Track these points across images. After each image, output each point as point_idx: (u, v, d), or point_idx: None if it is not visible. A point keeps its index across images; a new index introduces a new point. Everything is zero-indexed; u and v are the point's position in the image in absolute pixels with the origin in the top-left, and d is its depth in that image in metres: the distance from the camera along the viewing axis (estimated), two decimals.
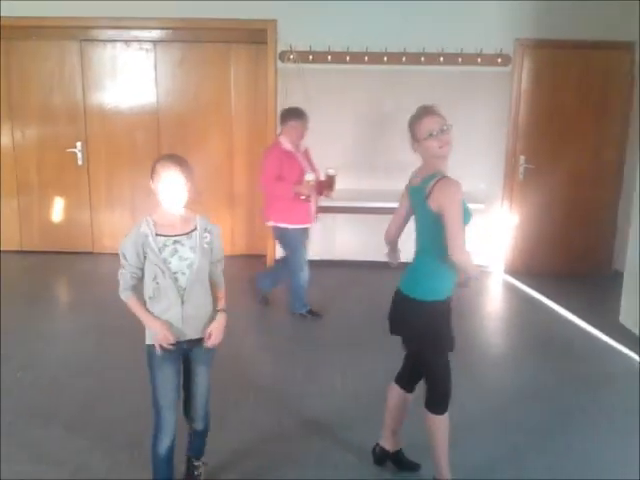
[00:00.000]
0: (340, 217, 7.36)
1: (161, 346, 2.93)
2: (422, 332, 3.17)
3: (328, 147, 6.96)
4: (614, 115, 7.28)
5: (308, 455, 3.75)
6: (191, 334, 3.03)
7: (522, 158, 7.42)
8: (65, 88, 7.70)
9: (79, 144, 7.80)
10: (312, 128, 7.21)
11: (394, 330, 3.30)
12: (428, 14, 7.03)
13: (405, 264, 3.31)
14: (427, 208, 3.05)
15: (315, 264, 6.17)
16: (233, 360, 4.91)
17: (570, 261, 7.50)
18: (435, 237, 3.05)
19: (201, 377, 3.15)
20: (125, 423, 4.01)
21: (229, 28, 7.28)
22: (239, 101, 7.72)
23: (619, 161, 7.35)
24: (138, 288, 2.99)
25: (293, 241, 5.78)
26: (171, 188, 2.89)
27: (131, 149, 7.76)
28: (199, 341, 3.07)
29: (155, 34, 7.55)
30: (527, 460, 3.74)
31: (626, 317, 5.72)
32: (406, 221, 3.41)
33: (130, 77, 7.69)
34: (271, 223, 5.82)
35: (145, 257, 2.93)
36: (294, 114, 5.68)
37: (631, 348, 5.39)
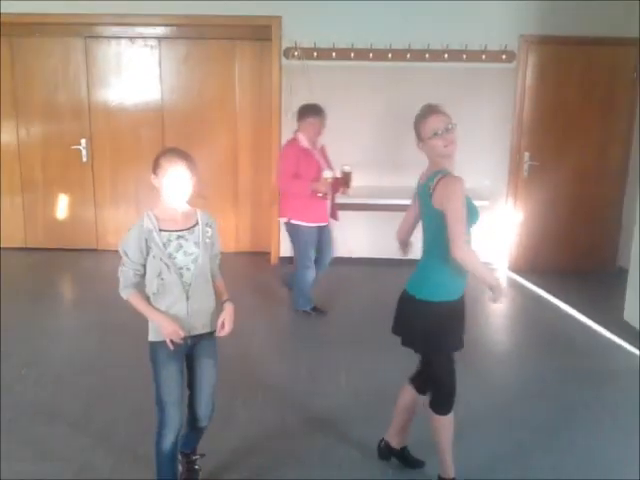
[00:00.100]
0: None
1: (172, 341, 2.90)
2: (426, 332, 3.15)
3: (331, 144, 6.96)
4: (619, 112, 7.27)
5: (312, 453, 3.74)
6: (197, 329, 3.02)
7: (527, 155, 7.41)
8: (70, 85, 7.71)
9: (83, 141, 7.81)
10: None
11: (396, 330, 3.30)
12: (432, 11, 7.02)
13: (415, 261, 3.29)
14: (431, 206, 3.04)
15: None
16: (237, 358, 4.91)
17: (574, 258, 7.49)
18: (440, 236, 3.02)
19: (208, 370, 3.13)
20: (129, 421, 4.01)
21: (234, 25, 7.27)
22: (243, 98, 7.72)
23: (624, 158, 7.34)
24: (140, 285, 2.96)
25: (303, 239, 5.73)
26: (177, 183, 2.87)
27: (136, 146, 7.76)
28: (204, 336, 3.07)
29: (160, 31, 7.55)
30: (531, 457, 3.74)
31: (630, 314, 5.70)
32: (417, 220, 3.37)
33: (135, 74, 7.69)
34: (285, 219, 5.76)
35: (148, 253, 2.90)
36: (312, 110, 5.62)
37: (635, 345, 5.37)
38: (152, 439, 3.10)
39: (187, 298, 2.95)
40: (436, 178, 3.03)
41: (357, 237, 7.49)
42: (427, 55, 7.10)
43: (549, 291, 6.70)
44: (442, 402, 3.25)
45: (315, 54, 7.14)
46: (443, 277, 3.09)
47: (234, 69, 7.63)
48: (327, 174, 5.49)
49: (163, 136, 7.73)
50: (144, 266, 2.93)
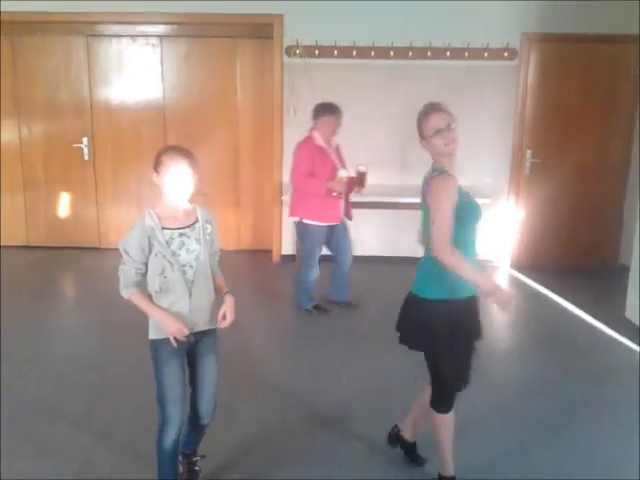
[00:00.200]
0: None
1: (175, 339, 2.91)
2: (429, 331, 3.13)
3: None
4: (620, 109, 7.26)
5: (314, 451, 3.74)
6: (199, 325, 3.03)
7: (529, 152, 7.41)
8: (71, 83, 7.72)
9: (85, 139, 7.82)
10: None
11: (398, 327, 3.30)
12: (434, 9, 7.01)
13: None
14: (425, 205, 3.05)
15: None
16: (238, 356, 4.92)
17: (576, 255, 7.49)
18: None
19: (210, 367, 3.12)
20: (130, 419, 4.01)
21: (235, 23, 7.27)
22: (245, 96, 7.72)
23: (625, 155, 7.34)
24: (141, 284, 2.96)
25: (312, 237, 5.71)
26: (179, 180, 2.87)
27: (137, 144, 7.77)
28: (205, 332, 3.07)
29: (161, 29, 7.55)
30: (532, 455, 3.74)
31: (632, 311, 5.70)
32: None
33: (136, 72, 7.70)
34: (296, 219, 5.73)
35: (150, 251, 2.90)
36: (328, 109, 5.59)
37: (636, 342, 5.38)
38: (153, 437, 3.09)
39: (189, 295, 2.96)
40: (430, 176, 3.05)
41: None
42: (429, 53, 7.09)
43: (551, 289, 6.70)
44: (442, 401, 3.25)
45: (317, 52, 7.14)
46: (444, 275, 3.02)
47: (236, 67, 7.64)
48: (342, 173, 5.47)
49: (165, 134, 7.74)
50: (145, 265, 2.93)
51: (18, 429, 3.90)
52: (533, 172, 7.44)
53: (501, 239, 7.51)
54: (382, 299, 5.85)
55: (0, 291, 6.17)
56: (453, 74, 7.16)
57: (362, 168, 5.59)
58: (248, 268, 7.30)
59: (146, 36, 7.58)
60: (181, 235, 2.94)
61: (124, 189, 7.96)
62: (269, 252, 7.83)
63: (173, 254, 2.90)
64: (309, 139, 5.63)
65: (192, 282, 2.96)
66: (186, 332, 2.91)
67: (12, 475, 3.45)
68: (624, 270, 6.36)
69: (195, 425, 3.26)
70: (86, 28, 7.52)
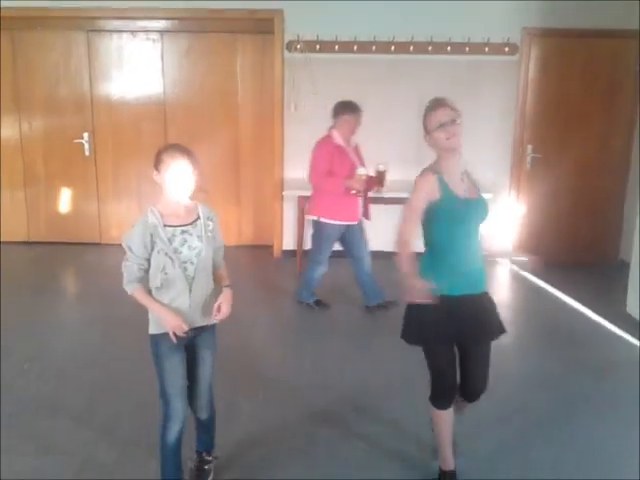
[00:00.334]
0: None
1: (175, 335, 2.93)
2: (414, 325, 3.18)
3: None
4: (620, 104, 7.26)
5: (316, 446, 3.75)
6: (198, 321, 3.04)
7: (529, 147, 7.41)
8: (72, 79, 7.71)
9: (86, 135, 7.82)
10: (319, 117, 7.20)
11: (403, 322, 3.31)
12: (435, 4, 7.00)
13: None
14: None
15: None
16: (240, 351, 4.95)
17: (577, 250, 7.49)
18: (424, 231, 3.13)
19: (206, 362, 3.15)
20: (132, 415, 4.02)
21: (236, 18, 7.26)
22: (246, 91, 7.72)
23: (626, 150, 7.34)
24: (144, 279, 2.98)
25: (325, 233, 5.66)
26: (180, 178, 2.89)
27: (138, 140, 7.76)
28: (204, 328, 3.09)
29: (161, 24, 7.54)
30: (532, 448, 3.75)
31: (632, 306, 5.71)
32: None
33: (137, 67, 7.69)
34: (314, 217, 5.68)
35: (153, 248, 2.92)
36: (348, 108, 5.53)
37: (636, 336, 5.39)
38: (155, 432, 3.11)
39: (190, 291, 2.98)
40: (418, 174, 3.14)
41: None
42: (430, 48, 7.09)
43: (551, 283, 6.70)
44: (436, 396, 3.26)
45: (318, 47, 7.13)
46: (427, 271, 3.08)
47: (236, 62, 7.63)
48: (361, 171, 5.42)
49: (165, 130, 7.73)
50: (148, 261, 2.95)
51: (19, 425, 3.91)
52: (534, 167, 7.44)
53: (502, 234, 7.51)
54: (390, 294, 5.80)
55: (0, 287, 6.17)
56: (454, 69, 7.15)
57: (381, 167, 5.57)
58: (249, 263, 7.30)
59: (146, 31, 7.57)
60: (183, 232, 2.95)
61: (125, 184, 7.96)
62: (270, 247, 7.84)
63: (175, 251, 2.92)
64: (328, 138, 5.57)
65: (193, 278, 2.97)
66: (185, 328, 2.93)
67: (14, 472, 3.45)
68: (624, 265, 6.37)
69: (196, 420, 3.29)
70: (86, 23, 7.51)
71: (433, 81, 6.99)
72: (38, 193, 8.02)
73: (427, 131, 3.13)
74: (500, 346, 5.02)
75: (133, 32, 7.58)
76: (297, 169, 7.45)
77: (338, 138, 5.53)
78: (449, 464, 3.34)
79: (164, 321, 2.93)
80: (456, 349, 3.24)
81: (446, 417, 3.27)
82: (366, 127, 7.24)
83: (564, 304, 6.24)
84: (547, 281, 6.79)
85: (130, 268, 2.95)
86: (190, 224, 2.99)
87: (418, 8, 7.02)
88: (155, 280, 2.95)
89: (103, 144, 7.87)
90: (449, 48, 7.09)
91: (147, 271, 2.97)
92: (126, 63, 7.68)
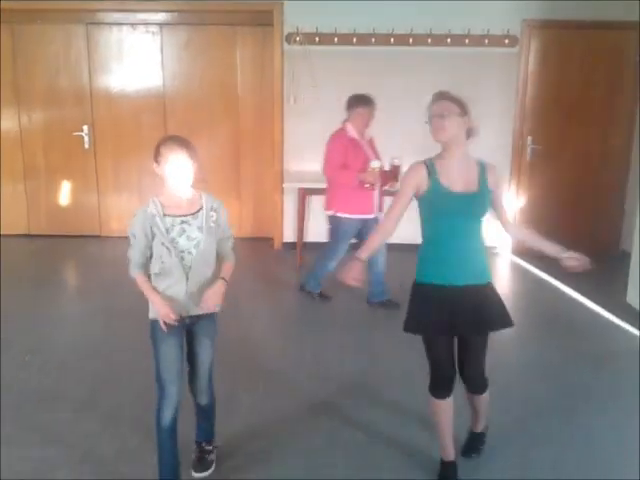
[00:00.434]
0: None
1: (165, 322, 2.97)
2: (411, 314, 3.22)
3: (334, 129, 6.99)
4: (621, 95, 7.26)
5: (317, 436, 3.76)
6: (194, 310, 3.08)
7: (529, 139, 7.42)
8: (71, 72, 7.71)
9: (86, 128, 7.82)
10: (319, 109, 7.23)
11: None
12: None
13: None
14: None
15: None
16: (240, 342, 4.96)
17: (577, 242, 7.33)
18: (420, 221, 3.20)
19: (204, 350, 3.19)
20: (133, 406, 4.02)
21: (235, 10, 7.26)
22: (245, 84, 7.71)
23: (627, 141, 7.34)
24: (146, 266, 3.04)
25: (342, 229, 5.60)
26: (178, 170, 2.92)
27: (138, 132, 7.76)
28: (203, 316, 3.12)
29: (161, 17, 7.53)
30: (532, 438, 3.76)
31: (633, 297, 5.72)
32: None
33: (136, 60, 7.69)
34: (331, 212, 5.63)
35: (153, 237, 2.97)
36: (362, 101, 5.48)
37: (637, 327, 5.40)
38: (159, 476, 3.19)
39: (187, 280, 3.02)
40: None
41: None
42: (429, 40, 7.08)
43: (552, 274, 6.69)
44: (434, 385, 3.26)
45: (317, 39, 7.13)
46: (420, 260, 3.20)
47: (236, 55, 7.62)
48: (375, 164, 5.38)
49: (165, 122, 7.73)
50: (150, 248, 3.01)
51: (21, 417, 3.91)
52: (534, 158, 7.45)
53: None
54: (395, 295, 5.79)
55: (1, 280, 6.18)
56: (454, 61, 7.14)
57: (397, 161, 5.48)
58: (249, 256, 7.29)
59: (146, 24, 7.56)
60: (182, 222, 2.99)
61: (124, 177, 7.96)
62: (270, 240, 7.85)
63: (172, 241, 2.96)
64: (342, 131, 5.54)
65: (190, 268, 3.01)
66: (173, 317, 2.96)
67: (15, 463, 3.46)
68: (625, 256, 6.37)
69: (196, 406, 3.34)
70: (86, 16, 7.50)
71: (433, 73, 6.98)
72: (38, 186, 8.02)
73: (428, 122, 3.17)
74: (500, 336, 5.04)
75: (132, 25, 7.57)
76: (297, 161, 7.47)
77: (352, 131, 5.49)
78: (449, 454, 3.35)
79: (155, 309, 3.00)
80: (456, 338, 3.25)
81: (445, 407, 3.27)
82: None
83: (564, 295, 6.25)
84: (547, 272, 6.79)
85: (133, 255, 3.03)
86: (191, 214, 3.01)
87: (417, 0, 7.01)
88: (154, 267, 3.02)
89: (103, 137, 7.87)
90: (449, 40, 7.08)
91: (150, 258, 3.03)
92: (125, 56, 7.68)
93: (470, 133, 3.26)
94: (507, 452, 3.62)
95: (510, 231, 3.41)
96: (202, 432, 3.44)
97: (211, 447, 3.44)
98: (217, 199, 3.12)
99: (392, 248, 5.53)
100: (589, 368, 4.72)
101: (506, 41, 7.11)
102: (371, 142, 5.69)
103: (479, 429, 3.58)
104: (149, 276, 3.04)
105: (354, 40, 7.11)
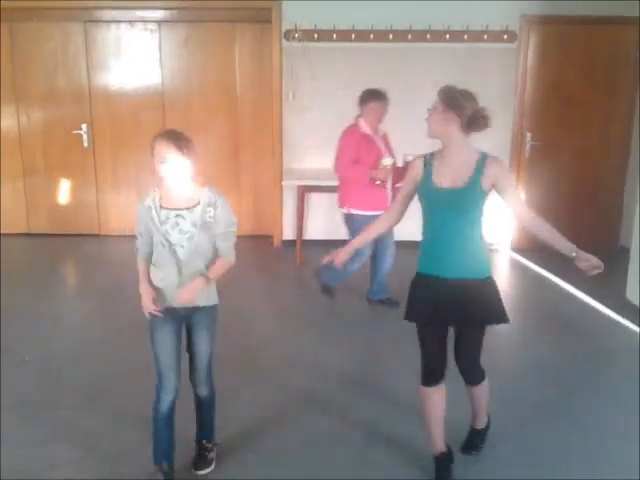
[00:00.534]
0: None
1: (150, 313, 3.07)
2: (408, 302, 3.28)
3: (333, 126, 6.99)
4: (620, 91, 7.26)
5: (316, 434, 3.76)
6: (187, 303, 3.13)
7: (528, 135, 7.41)
8: (70, 70, 7.70)
9: (84, 126, 7.81)
10: (318, 106, 7.22)
11: None
12: None
13: None
14: None
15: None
16: (241, 339, 4.98)
17: (576, 237, 7.29)
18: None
19: (201, 342, 3.22)
20: (134, 404, 4.00)
21: (233, 7, 7.25)
22: (244, 81, 7.70)
23: (626, 137, 7.34)
24: (150, 257, 3.15)
25: (357, 229, 5.15)
26: (167, 164, 2.95)
27: (136, 130, 7.75)
28: (199, 309, 3.16)
29: (159, 14, 7.52)
30: (532, 435, 3.76)
31: (632, 292, 5.72)
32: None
33: (134, 58, 7.68)
34: (345, 210, 5.54)
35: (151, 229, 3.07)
36: (375, 95, 5.39)
37: (636, 323, 5.40)
38: (153, 456, 3.23)
39: (179, 273, 3.06)
40: None
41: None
42: (428, 36, 7.07)
43: (551, 271, 6.70)
44: (422, 372, 3.29)
45: (316, 36, 7.12)
46: (420, 250, 3.28)
47: (234, 52, 7.61)
48: (386, 161, 5.31)
49: (164, 120, 7.72)
50: (152, 239, 3.09)
51: (21, 416, 3.91)
52: (533, 155, 7.44)
53: (502, 221, 7.50)
54: (396, 294, 5.78)
55: (1, 279, 6.17)
56: (452, 57, 7.13)
57: (410, 158, 5.34)
58: (249, 253, 7.29)
59: (144, 21, 7.55)
60: (177, 216, 3.03)
61: (124, 175, 7.95)
62: (270, 237, 7.84)
63: (165, 233, 3.02)
64: (354, 126, 5.46)
65: (182, 261, 3.05)
66: (151, 309, 3.06)
67: (16, 462, 3.46)
68: (624, 252, 6.37)
69: (195, 398, 3.37)
70: (84, 14, 7.49)
71: (432, 69, 6.98)
72: (37, 185, 8.01)
73: None
74: (499, 333, 5.07)
75: (131, 22, 7.56)
76: (296, 158, 7.47)
77: (365, 126, 5.42)
78: (437, 447, 3.34)
79: (142, 299, 3.10)
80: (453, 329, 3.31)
81: (432, 395, 3.27)
82: None
83: (564, 291, 6.25)
84: (547, 268, 6.79)
85: (139, 245, 3.18)
86: (186, 209, 3.04)
87: None
88: (153, 258, 3.12)
89: (101, 135, 7.86)
90: (448, 36, 7.08)
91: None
92: (124, 53, 7.67)
93: (470, 127, 3.25)
94: (506, 450, 3.62)
95: (525, 222, 3.39)
96: (202, 427, 3.44)
97: (211, 445, 3.45)
98: (219, 194, 3.14)
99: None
100: (588, 365, 4.71)
101: (505, 37, 7.10)
102: (385, 138, 5.61)
103: (479, 425, 3.58)
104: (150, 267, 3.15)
105: (353, 36, 7.10)
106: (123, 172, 7.94)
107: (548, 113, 7.36)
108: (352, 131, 5.45)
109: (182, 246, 3.03)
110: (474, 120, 3.22)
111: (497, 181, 3.17)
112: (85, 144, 7.85)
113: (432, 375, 3.26)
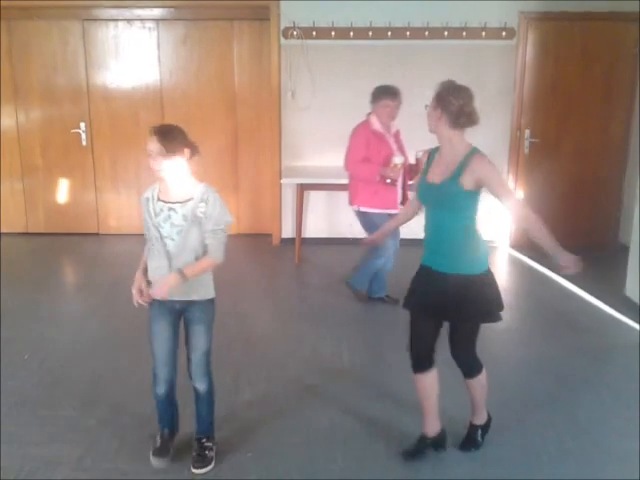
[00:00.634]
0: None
1: (137, 302, 3.18)
2: (408, 290, 3.42)
3: (332, 123, 6.99)
4: (619, 88, 7.25)
5: (316, 430, 3.77)
6: (179, 296, 3.15)
7: (527, 132, 7.40)
8: (68, 68, 7.69)
9: (83, 124, 7.80)
10: (316, 104, 7.22)
11: None
12: None
13: None
14: None
15: None
16: (240, 337, 4.97)
17: (576, 235, 7.45)
18: None
19: (196, 335, 3.27)
20: (133, 403, 4.02)
21: (232, 5, 7.24)
22: (243, 79, 7.70)
23: (625, 134, 7.33)
24: None
25: (372, 225, 5.27)
26: (152, 159, 3.02)
27: (135, 129, 7.73)
28: (193, 302, 3.22)
29: (157, 12, 7.51)
30: (532, 432, 3.76)
31: (631, 289, 5.71)
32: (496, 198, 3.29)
33: (133, 56, 7.67)
34: (355, 207, 5.48)
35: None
36: (386, 92, 5.29)
37: (636, 320, 5.39)
38: (156, 420, 3.38)
39: (169, 266, 3.12)
40: None
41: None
42: (427, 33, 7.06)
43: (550, 268, 6.69)
44: (411, 359, 3.42)
45: (314, 33, 7.11)
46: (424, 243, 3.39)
47: (233, 50, 7.60)
48: (397, 160, 5.23)
49: (162, 118, 7.67)
50: None
51: (21, 415, 3.92)
52: (532, 152, 7.44)
53: (500, 219, 7.50)
54: (396, 291, 5.77)
55: (0, 278, 6.17)
56: (451, 54, 7.13)
57: (420, 154, 5.22)
58: (248, 252, 7.29)
59: (142, 20, 7.53)
60: (170, 209, 3.10)
61: (122, 174, 7.94)
62: (269, 236, 7.84)
63: (157, 225, 3.10)
64: (366, 123, 5.40)
65: (172, 254, 3.12)
66: (135, 300, 3.17)
67: (16, 461, 3.46)
68: (624, 249, 6.37)
69: (195, 392, 3.40)
70: (82, 12, 7.48)
71: (431, 66, 6.99)
72: (36, 184, 8.00)
73: None
74: (499, 331, 5.07)
75: (129, 21, 7.55)
76: (295, 157, 7.47)
77: (376, 124, 5.35)
78: (427, 429, 3.49)
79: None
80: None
81: (421, 379, 3.41)
82: (363, 113, 7.25)
83: (563, 288, 6.24)
84: (546, 266, 6.78)
85: (146, 236, 3.22)
86: (180, 202, 3.10)
87: None
88: (149, 249, 3.22)
89: (100, 134, 7.85)
90: (446, 33, 7.07)
91: None
92: (122, 52, 7.66)
93: (457, 124, 3.29)
94: (505, 447, 3.62)
95: (516, 217, 3.45)
96: (200, 422, 3.46)
97: (211, 443, 3.46)
98: (212, 191, 3.17)
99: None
100: (588, 362, 4.72)
101: (503, 33, 7.09)
102: (397, 135, 5.55)
103: (477, 421, 3.60)
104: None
105: (351, 34, 7.09)
106: (122, 170, 7.93)
107: (547, 110, 7.35)
108: (363, 128, 5.39)
109: (172, 239, 3.10)
110: (459, 116, 3.23)
111: (481, 178, 3.15)
112: (84, 143, 7.84)
113: (418, 362, 3.38)
